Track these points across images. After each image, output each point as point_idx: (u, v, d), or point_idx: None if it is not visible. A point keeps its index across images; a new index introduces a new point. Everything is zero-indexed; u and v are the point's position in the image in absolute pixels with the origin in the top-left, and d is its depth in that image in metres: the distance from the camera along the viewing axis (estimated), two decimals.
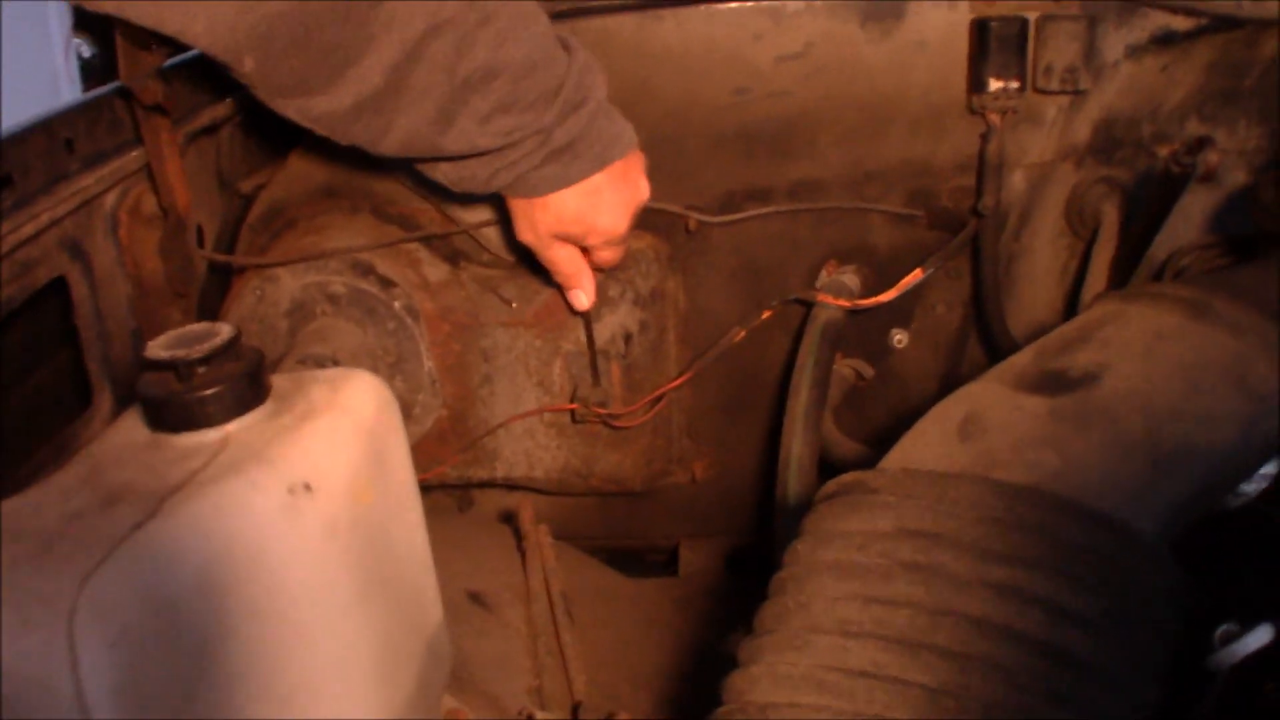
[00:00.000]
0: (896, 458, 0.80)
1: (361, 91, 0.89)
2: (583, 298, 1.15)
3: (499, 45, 0.91)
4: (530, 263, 1.16)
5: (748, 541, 1.43)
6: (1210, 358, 0.80)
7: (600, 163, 1.02)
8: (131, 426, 0.66)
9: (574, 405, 1.22)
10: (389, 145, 0.95)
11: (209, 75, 1.07)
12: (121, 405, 0.93)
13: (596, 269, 1.14)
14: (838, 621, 0.67)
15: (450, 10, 0.88)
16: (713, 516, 1.41)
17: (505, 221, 1.10)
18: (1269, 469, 0.85)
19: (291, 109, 0.91)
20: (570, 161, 1.00)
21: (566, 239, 1.08)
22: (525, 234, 1.08)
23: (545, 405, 1.24)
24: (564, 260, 1.11)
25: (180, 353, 0.62)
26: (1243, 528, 0.91)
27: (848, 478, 0.76)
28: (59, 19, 3.72)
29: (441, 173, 1.01)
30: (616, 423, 1.23)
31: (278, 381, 0.69)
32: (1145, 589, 0.67)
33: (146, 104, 0.92)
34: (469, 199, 1.10)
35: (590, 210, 1.04)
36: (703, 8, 1.15)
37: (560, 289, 1.16)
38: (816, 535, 0.73)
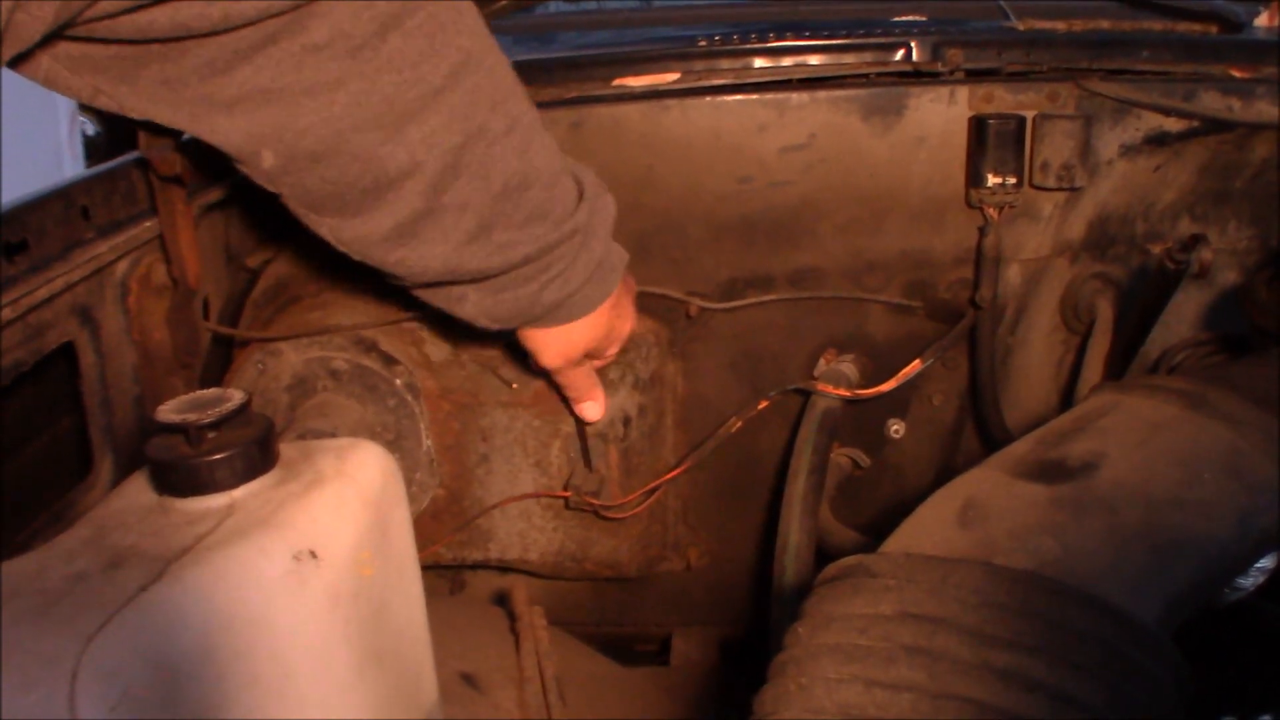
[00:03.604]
0: (897, 543, 0.80)
1: (400, 214, 0.86)
2: (596, 409, 1.16)
3: (525, 152, 0.89)
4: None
5: (741, 632, 1.41)
6: (1207, 449, 0.81)
7: (621, 271, 1.03)
8: (138, 489, 0.66)
9: (567, 493, 1.22)
10: (427, 273, 0.91)
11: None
12: (122, 474, 0.93)
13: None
14: (840, 705, 0.67)
15: (481, 119, 0.86)
16: (706, 604, 1.40)
17: None
18: (1266, 563, 0.86)
19: (325, 228, 0.89)
20: (607, 275, 1.00)
21: (591, 355, 1.09)
22: (555, 360, 1.07)
23: (541, 488, 1.24)
24: (583, 375, 1.12)
25: (191, 416, 0.63)
26: (1240, 622, 0.91)
27: (849, 561, 0.76)
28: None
29: (472, 304, 0.97)
30: (609, 514, 1.23)
31: (285, 449, 0.69)
32: (1148, 677, 0.67)
33: (163, 175, 0.93)
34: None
35: (619, 320, 1.06)
36: (709, 98, 1.17)
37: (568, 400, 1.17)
38: (817, 618, 0.73)
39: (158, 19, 0.71)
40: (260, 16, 0.74)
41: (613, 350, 1.11)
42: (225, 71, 0.77)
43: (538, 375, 1.15)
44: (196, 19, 0.72)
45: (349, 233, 0.89)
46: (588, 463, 1.21)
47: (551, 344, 1.05)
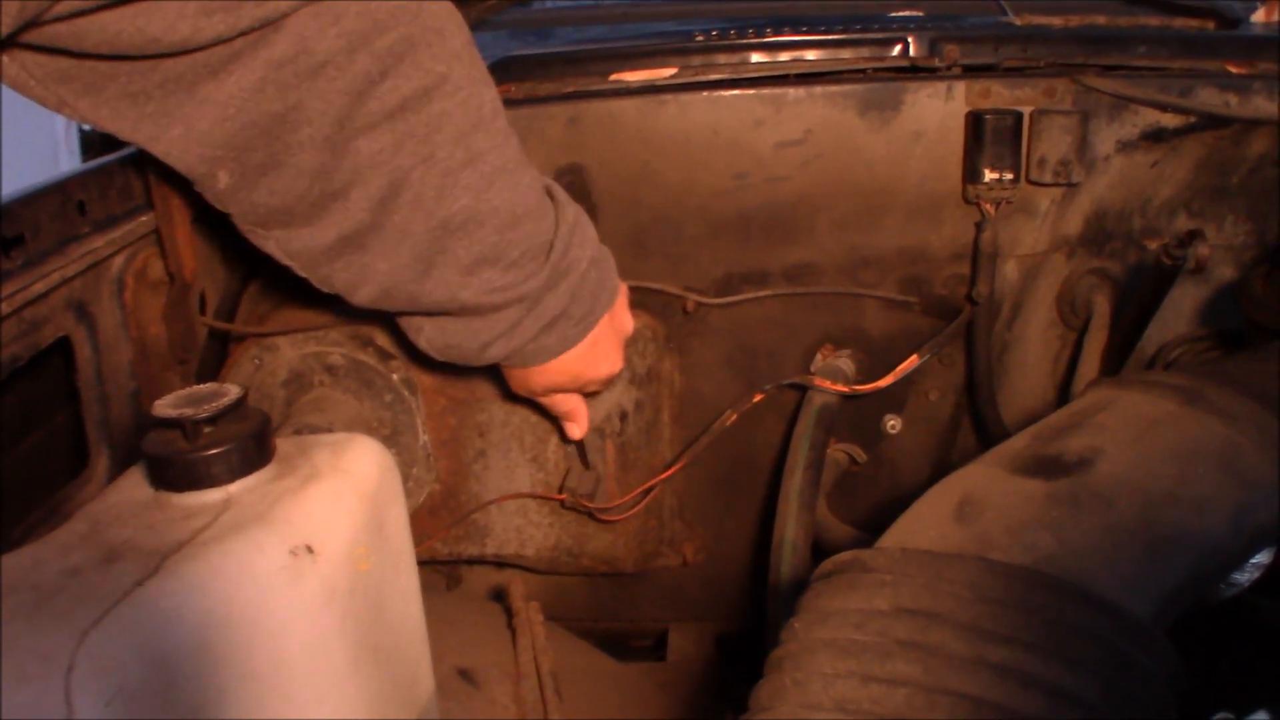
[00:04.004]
0: (893, 538, 0.80)
1: (345, 226, 0.85)
2: (576, 430, 1.16)
3: (484, 190, 0.87)
4: None
5: (737, 627, 1.42)
6: (1203, 444, 0.81)
7: (593, 321, 1.00)
8: (134, 484, 0.66)
9: (562, 496, 1.22)
10: (367, 292, 0.90)
11: None
12: (119, 468, 0.93)
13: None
14: (835, 700, 0.67)
15: (437, 145, 0.84)
16: (702, 600, 1.40)
17: None
18: (1261, 558, 0.86)
19: (271, 242, 0.88)
20: (567, 330, 0.98)
21: (574, 386, 1.08)
22: (519, 390, 1.08)
23: (537, 483, 1.24)
24: (561, 401, 1.11)
25: (188, 411, 0.63)
26: (1236, 618, 0.91)
27: (845, 556, 0.76)
28: None
29: (426, 338, 0.97)
30: (604, 516, 1.23)
31: (281, 444, 0.69)
32: (1143, 673, 0.67)
33: (160, 169, 0.93)
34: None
35: (588, 366, 1.04)
36: (706, 94, 1.17)
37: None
38: (813, 613, 0.73)
39: (125, 30, 0.69)
40: (231, 34, 0.73)
41: (592, 389, 1.10)
42: (189, 88, 0.76)
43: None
44: (166, 32, 0.70)
45: (296, 243, 0.87)
46: (585, 461, 1.21)
47: (513, 380, 1.07)
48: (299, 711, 0.63)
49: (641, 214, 1.19)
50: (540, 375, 1.03)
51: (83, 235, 0.88)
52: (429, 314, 0.95)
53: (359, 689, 0.68)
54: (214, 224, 1.11)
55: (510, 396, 1.20)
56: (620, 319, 1.06)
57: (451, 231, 0.87)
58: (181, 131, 0.78)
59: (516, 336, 0.95)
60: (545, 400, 1.10)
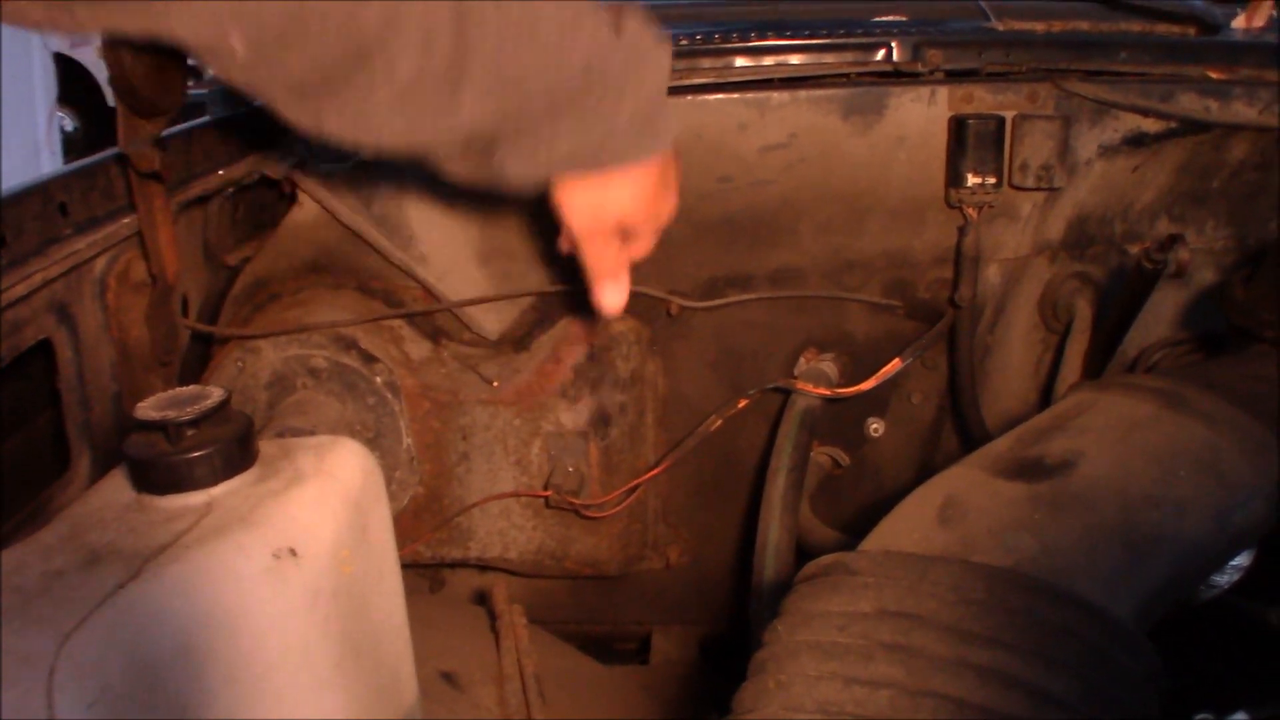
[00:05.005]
0: (876, 540, 0.80)
1: (397, 77, 0.75)
2: (616, 295, 1.02)
3: (557, 47, 0.79)
4: (512, 341, 1.16)
5: (720, 629, 1.42)
6: (1184, 447, 0.81)
7: (669, 135, 0.92)
8: (116, 487, 0.66)
9: (547, 493, 1.22)
10: (463, 119, 0.80)
11: (203, 146, 1.09)
12: (100, 470, 0.92)
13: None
14: (819, 702, 0.67)
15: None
16: (686, 602, 1.40)
17: (487, 299, 1.11)
18: (1241, 560, 0.86)
19: (329, 118, 0.78)
20: (656, 134, 0.90)
21: (622, 229, 0.98)
22: (584, 220, 0.95)
23: (521, 486, 1.24)
24: (612, 254, 1.00)
25: (170, 414, 0.63)
26: (1216, 619, 0.91)
27: (828, 559, 0.76)
28: (45, 91, 3.75)
29: (512, 166, 0.86)
30: (589, 513, 1.23)
31: (264, 447, 0.69)
32: (1124, 673, 0.67)
33: (142, 171, 0.93)
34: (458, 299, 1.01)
35: (663, 196, 0.95)
36: (690, 97, 1.17)
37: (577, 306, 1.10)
38: (797, 615, 0.73)
39: None
40: None
41: (647, 238, 1.00)
42: None
43: (566, 250, 1.01)
44: None
45: (350, 110, 0.78)
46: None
47: (584, 201, 0.94)
48: (282, 713, 0.63)
49: None
50: (620, 188, 0.93)
51: (64, 237, 0.88)
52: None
53: (342, 691, 0.68)
54: (196, 226, 1.11)
55: (493, 400, 1.20)
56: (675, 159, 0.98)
57: (519, 39, 0.78)
58: (185, 7, 0.70)
59: (615, 120, 0.86)
60: (599, 247, 0.99)
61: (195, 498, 0.64)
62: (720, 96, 1.18)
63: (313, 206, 1.17)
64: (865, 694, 0.66)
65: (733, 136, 1.18)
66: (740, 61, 1.20)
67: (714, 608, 1.40)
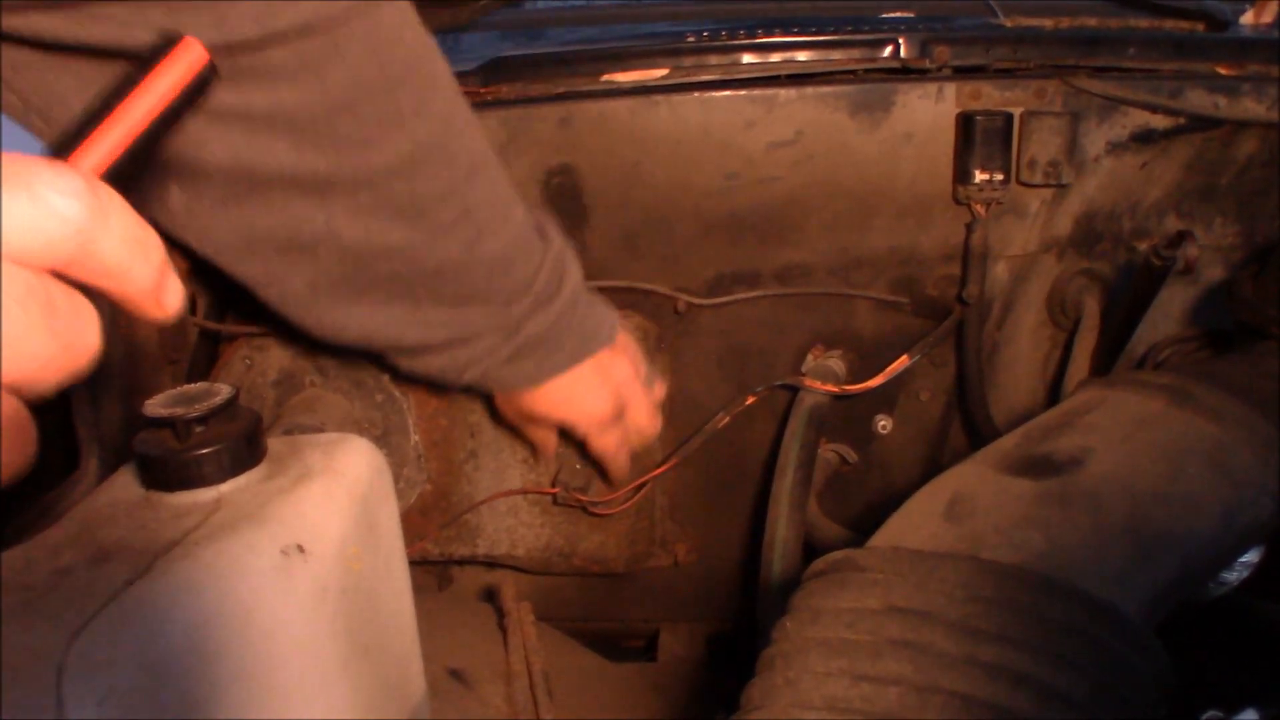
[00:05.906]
0: (884, 537, 0.80)
1: (317, 276, 0.87)
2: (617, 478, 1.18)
3: (476, 242, 0.89)
4: None
5: (728, 627, 1.42)
6: (1192, 444, 0.81)
7: (578, 357, 1.01)
8: (125, 484, 0.66)
9: (555, 490, 1.22)
10: (350, 334, 0.94)
11: None
12: (109, 468, 0.92)
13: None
14: (826, 699, 0.67)
15: (428, 208, 0.85)
16: (694, 600, 1.40)
17: None
18: (1250, 557, 0.86)
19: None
20: (545, 357, 0.99)
21: (547, 426, 1.09)
22: (503, 413, 1.10)
23: (529, 484, 1.24)
24: (544, 443, 1.14)
25: (179, 411, 0.63)
26: (1225, 617, 0.91)
27: (836, 555, 0.76)
28: None
29: (404, 366, 1.00)
30: (596, 509, 1.23)
31: (272, 444, 0.69)
32: (1132, 671, 0.67)
33: None
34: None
35: (566, 402, 1.04)
36: (697, 94, 1.17)
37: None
38: (805, 612, 0.73)
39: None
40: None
41: (580, 432, 1.10)
42: None
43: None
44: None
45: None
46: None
47: (497, 399, 1.08)
48: (290, 711, 0.63)
49: (633, 214, 1.19)
50: (518, 401, 1.04)
51: None
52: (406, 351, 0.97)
53: (350, 689, 0.68)
54: None
55: None
56: (618, 366, 1.07)
57: (442, 277, 0.89)
58: None
59: (486, 360, 0.97)
60: (530, 438, 1.13)
61: (204, 494, 0.64)
62: (728, 93, 1.18)
63: None
64: (873, 690, 0.66)
65: (740, 133, 1.18)
66: (747, 58, 1.20)
67: (722, 605, 1.40)
